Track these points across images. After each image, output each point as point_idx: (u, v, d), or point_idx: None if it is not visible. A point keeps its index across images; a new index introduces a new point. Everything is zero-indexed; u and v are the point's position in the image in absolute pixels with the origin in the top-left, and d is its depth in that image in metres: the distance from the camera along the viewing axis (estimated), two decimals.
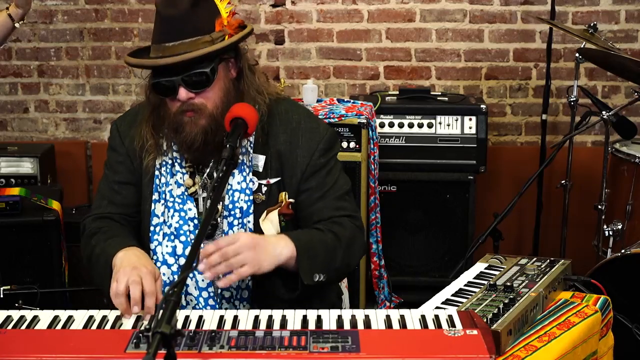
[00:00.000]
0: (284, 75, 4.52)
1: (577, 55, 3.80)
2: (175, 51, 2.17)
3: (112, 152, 2.45)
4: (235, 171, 2.29)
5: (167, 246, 2.31)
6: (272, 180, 2.32)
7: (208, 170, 2.32)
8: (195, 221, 2.31)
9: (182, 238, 2.30)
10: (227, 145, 2.04)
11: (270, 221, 2.29)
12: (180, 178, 2.33)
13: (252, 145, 2.32)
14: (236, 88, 2.29)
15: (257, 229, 2.29)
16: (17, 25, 3.21)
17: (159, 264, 2.31)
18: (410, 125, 3.96)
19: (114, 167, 2.42)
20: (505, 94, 4.52)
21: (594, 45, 3.63)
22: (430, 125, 3.95)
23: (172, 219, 2.32)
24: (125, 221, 2.39)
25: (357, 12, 4.47)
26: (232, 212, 2.29)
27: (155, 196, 2.34)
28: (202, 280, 2.28)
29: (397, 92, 4.19)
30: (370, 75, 4.53)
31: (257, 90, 2.32)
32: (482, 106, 3.97)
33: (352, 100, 3.95)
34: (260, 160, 2.32)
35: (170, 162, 2.34)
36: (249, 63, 2.35)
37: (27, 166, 4.13)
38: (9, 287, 3.20)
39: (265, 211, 2.30)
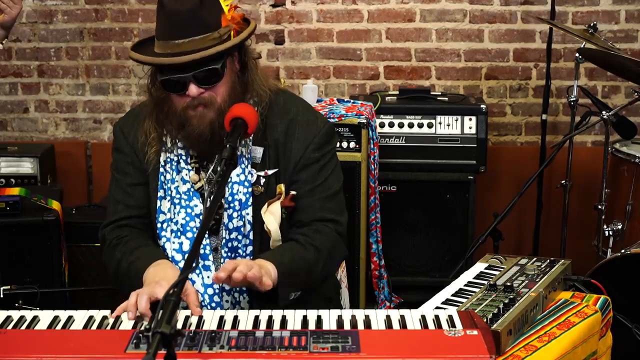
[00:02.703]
0: (284, 75, 4.52)
1: (577, 55, 3.79)
2: (185, 48, 2.17)
3: (118, 154, 2.44)
4: None
5: (174, 242, 2.32)
6: (270, 172, 2.33)
7: (213, 165, 2.31)
8: (202, 217, 2.30)
9: (189, 234, 2.30)
10: (227, 146, 2.04)
11: (272, 213, 2.29)
12: (186, 175, 2.34)
13: (251, 137, 2.31)
14: (240, 80, 2.30)
15: (256, 221, 2.30)
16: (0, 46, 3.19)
17: None
18: (410, 125, 3.96)
19: (123, 169, 2.41)
20: (505, 94, 4.52)
21: (594, 45, 3.62)
22: (430, 125, 3.95)
23: (178, 215, 2.32)
24: (142, 225, 2.39)
25: (357, 12, 4.47)
26: (232, 205, 2.30)
27: (160, 193, 2.35)
28: (208, 277, 2.28)
29: (397, 92, 4.19)
30: (370, 75, 4.53)
31: (260, 83, 2.33)
32: (482, 106, 3.96)
33: (352, 100, 3.94)
34: (259, 152, 2.32)
35: (175, 158, 2.34)
36: (253, 57, 2.36)
37: (27, 166, 4.13)
38: (9, 287, 3.19)
39: (267, 203, 2.30)
